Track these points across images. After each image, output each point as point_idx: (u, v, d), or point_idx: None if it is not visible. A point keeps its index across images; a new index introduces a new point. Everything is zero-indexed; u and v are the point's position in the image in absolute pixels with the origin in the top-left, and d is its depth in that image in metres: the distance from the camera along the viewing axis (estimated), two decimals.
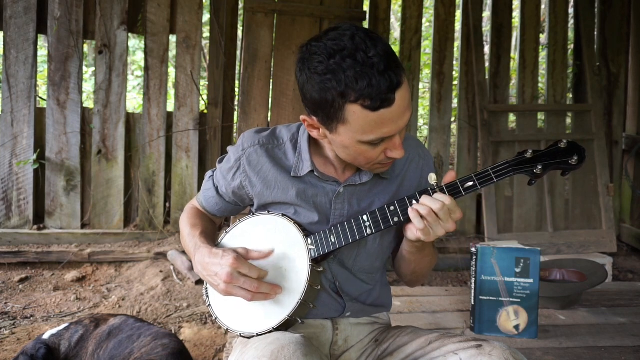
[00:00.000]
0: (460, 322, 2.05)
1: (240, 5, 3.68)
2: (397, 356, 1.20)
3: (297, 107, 3.11)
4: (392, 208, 1.12)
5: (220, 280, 1.10)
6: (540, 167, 1.06)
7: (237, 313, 1.19)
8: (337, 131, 1.06)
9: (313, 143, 1.23)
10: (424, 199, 1.07)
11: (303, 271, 1.14)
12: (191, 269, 2.99)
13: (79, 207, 3.37)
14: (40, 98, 3.54)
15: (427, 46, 4.24)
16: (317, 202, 1.21)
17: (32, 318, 2.55)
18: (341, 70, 0.98)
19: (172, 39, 3.44)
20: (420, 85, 4.86)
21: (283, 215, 1.20)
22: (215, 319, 1.22)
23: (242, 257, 1.13)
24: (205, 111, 3.53)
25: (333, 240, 1.15)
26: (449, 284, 3.14)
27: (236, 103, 3.56)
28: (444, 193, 1.09)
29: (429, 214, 1.06)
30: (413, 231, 1.10)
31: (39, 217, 3.37)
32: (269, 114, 3.13)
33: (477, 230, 3.61)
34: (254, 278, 1.11)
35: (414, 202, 1.09)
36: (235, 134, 3.65)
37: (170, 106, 3.52)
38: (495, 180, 1.07)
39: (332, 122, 1.05)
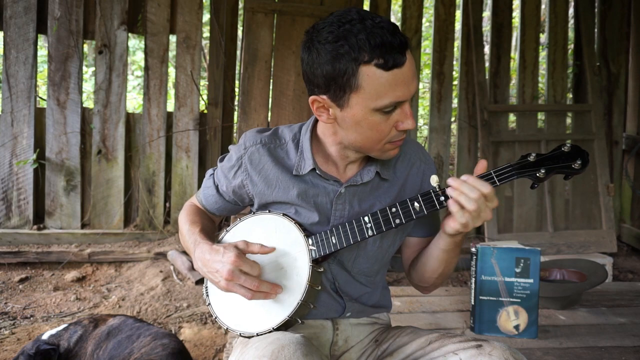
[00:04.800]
0: (460, 322, 2.05)
1: (240, 5, 3.68)
2: (397, 356, 1.20)
3: (297, 107, 3.11)
4: (393, 210, 1.12)
5: (221, 277, 1.09)
6: (543, 171, 1.06)
7: (237, 313, 1.19)
8: (349, 104, 1.06)
9: (315, 141, 1.23)
10: (469, 184, 1.02)
11: (304, 271, 1.14)
12: (191, 269, 2.99)
13: (79, 207, 3.37)
14: (40, 98, 3.54)
15: (427, 46, 4.24)
16: (318, 202, 1.20)
17: (32, 318, 2.55)
18: (352, 34, 1.01)
19: (172, 39, 3.44)
20: (420, 85, 4.86)
21: (284, 215, 1.20)
22: (215, 318, 1.22)
23: (243, 251, 1.13)
24: (205, 111, 3.53)
25: (334, 241, 1.15)
26: (449, 284, 3.14)
27: (236, 103, 3.56)
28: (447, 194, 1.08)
29: (475, 207, 1.01)
30: (451, 225, 1.06)
31: (39, 217, 3.37)
32: (269, 114, 3.13)
33: (477, 230, 3.61)
34: (255, 276, 1.10)
35: (449, 192, 1.04)
36: (235, 134, 3.65)
37: (170, 106, 3.52)
38: (498, 184, 1.07)
39: (345, 94, 1.05)
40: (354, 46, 1.01)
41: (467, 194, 1.02)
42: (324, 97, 1.09)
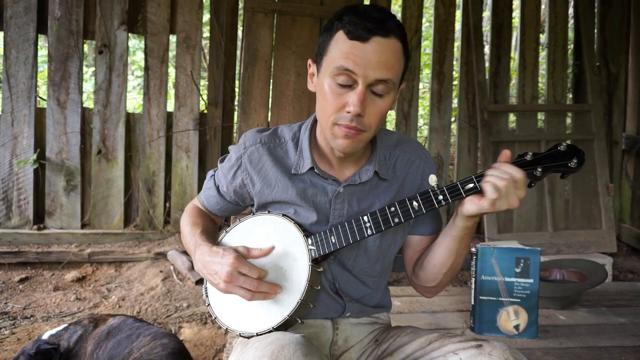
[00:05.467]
0: (460, 322, 2.05)
1: (240, 5, 3.68)
2: (397, 356, 1.20)
3: (297, 107, 3.11)
4: (392, 209, 1.12)
5: (220, 279, 1.10)
6: (540, 170, 1.07)
7: (236, 313, 1.19)
8: (321, 69, 1.13)
9: (314, 140, 1.24)
10: (501, 169, 1.04)
11: (303, 271, 1.14)
12: (191, 269, 2.99)
13: (79, 207, 3.37)
14: (40, 98, 3.54)
15: (427, 46, 4.24)
16: (317, 201, 1.21)
17: (32, 318, 2.55)
18: (348, 8, 1.11)
19: (172, 39, 3.44)
20: (420, 85, 4.86)
21: (283, 215, 1.20)
22: (215, 318, 1.22)
23: (243, 256, 1.13)
24: (205, 111, 3.53)
25: (333, 240, 1.15)
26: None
27: (236, 103, 3.56)
28: (446, 193, 1.08)
29: (506, 184, 1.02)
30: (475, 202, 1.06)
31: (39, 217, 3.37)
32: (269, 114, 3.13)
33: (477, 230, 3.61)
34: (254, 278, 1.11)
35: (487, 172, 1.06)
36: (235, 134, 3.65)
37: (170, 106, 3.52)
38: None
39: (322, 57, 1.12)
40: (341, 16, 1.09)
41: (499, 175, 1.04)
42: (313, 63, 1.18)
